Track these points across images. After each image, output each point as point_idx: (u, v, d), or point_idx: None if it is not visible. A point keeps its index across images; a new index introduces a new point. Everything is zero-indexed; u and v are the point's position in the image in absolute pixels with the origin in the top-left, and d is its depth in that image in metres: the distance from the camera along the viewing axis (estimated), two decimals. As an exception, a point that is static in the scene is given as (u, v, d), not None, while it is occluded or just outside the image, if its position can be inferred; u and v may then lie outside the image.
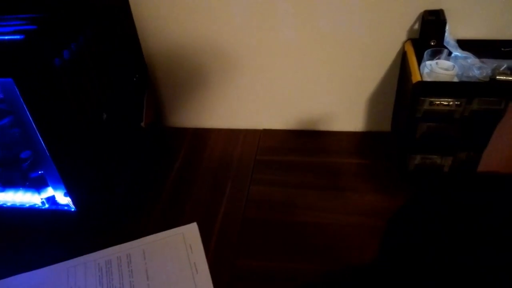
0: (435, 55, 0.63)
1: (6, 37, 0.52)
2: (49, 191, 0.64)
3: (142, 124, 0.77)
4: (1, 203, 0.66)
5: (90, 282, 0.59)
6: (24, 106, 0.53)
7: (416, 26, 0.69)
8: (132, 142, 0.75)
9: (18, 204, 0.66)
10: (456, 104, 0.59)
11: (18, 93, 0.52)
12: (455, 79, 0.60)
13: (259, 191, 0.71)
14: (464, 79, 0.60)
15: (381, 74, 0.76)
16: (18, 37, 0.52)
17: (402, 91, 0.70)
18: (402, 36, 0.71)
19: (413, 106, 0.61)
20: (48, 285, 0.60)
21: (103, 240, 0.64)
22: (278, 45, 0.75)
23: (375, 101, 0.79)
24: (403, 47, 0.71)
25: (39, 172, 0.63)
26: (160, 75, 0.83)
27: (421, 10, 0.67)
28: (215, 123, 0.88)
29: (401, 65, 0.72)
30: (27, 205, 0.66)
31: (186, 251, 0.62)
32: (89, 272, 0.60)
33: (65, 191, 0.62)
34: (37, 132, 0.55)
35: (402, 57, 0.71)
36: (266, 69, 0.78)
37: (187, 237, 0.64)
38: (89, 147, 0.60)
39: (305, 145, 0.81)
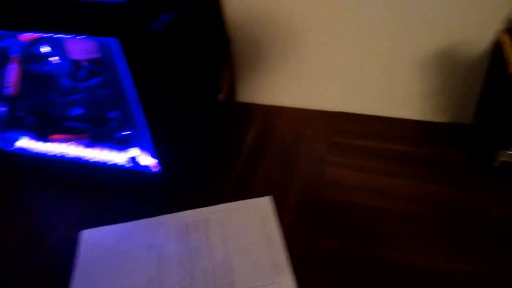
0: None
1: (112, -1, 0.53)
2: (133, 152, 0.67)
3: (220, 96, 0.78)
4: (89, 158, 0.70)
5: (168, 241, 0.62)
6: (120, 67, 0.55)
7: (514, 16, 0.65)
8: (209, 113, 0.77)
9: (103, 161, 0.70)
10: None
11: (117, 53, 0.54)
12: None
13: (332, 173, 0.71)
14: None
15: (467, 63, 0.73)
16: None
17: (494, 84, 0.67)
18: (496, 24, 0.67)
19: (509, 100, 0.58)
20: (129, 240, 0.63)
21: (182, 203, 0.67)
22: (361, 25, 0.74)
23: (457, 91, 0.77)
24: (497, 37, 0.67)
25: (126, 132, 0.66)
26: (237, 49, 0.84)
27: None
28: (288, 101, 0.88)
29: (493, 55, 0.69)
30: (111, 163, 0.69)
31: (260, 222, 0.63)
32: (168, 232, 0.63)
33: (150, 152, 0.65)
34: (129, 93, 0.58)
35: (495, 47, 0.68)
36: (345, 49, 0.77)
37: (261, 209, 0.65)
38: (176, 112, 0.62)
39: (378, 130, 0.80)
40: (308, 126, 0.82)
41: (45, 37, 0.64)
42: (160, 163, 0.65)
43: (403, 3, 0.69)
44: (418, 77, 0.77)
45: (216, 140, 0.80)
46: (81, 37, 0.55)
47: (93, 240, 0.63)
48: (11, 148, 0.75)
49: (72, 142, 0.71)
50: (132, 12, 0.51)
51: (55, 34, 0.56)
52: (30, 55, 0.67)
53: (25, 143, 0.75)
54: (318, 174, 0.71)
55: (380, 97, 0.82)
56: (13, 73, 0.68)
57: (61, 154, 0.72)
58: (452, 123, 0.80)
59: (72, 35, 0.56)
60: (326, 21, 0.75)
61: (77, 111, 0.69)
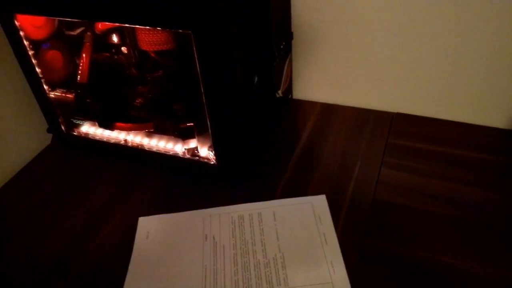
0: None
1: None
2: (193, 143, 0.69)
3: (279, 92, 0.79)
4: (151, 146, 0.72)
5: (223, 232, 0.63)
6: (191, 59, 0.56)
7: None
8: (268, 108, 0.77)
9: (165, 151, 0.72)
10: None
11: (189, 46, 0.56)
12: None
13: (390, 175, 0.70)
14: None
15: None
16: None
17: None
18: None
19: None
20: (185, 229, 0.64)
21: (237, 196, 0.68)
22: (428, 23, 0.72)
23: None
24: None
25: (189, 124, 0.68)
26: (297, 46, 0.84)
27: None
28: (345, 100, 0.87)
29: None
30: (172, 153, 0.71)
31: (315, 220, 0.63)
32: (223, 223, 0.64)
33: (210, 144, 0.66)
34: (197, 85, 0.59)
35: None
36: (406, 49, 0.76)
37: (316, 207, 0.65)
38: (239, 107, 0.63)
39: (439, 134, 0.78)
40: (366, 126, 0.81)
41: (118, 27, 0.66)
42: (219, 155, 0.67)
43: (478, 2, 0.67)
44: (488, 80, 0.74)
45: (273, 136, 0.80)
46: (156, 28, 0.57)
47: (151, 226, 0.65)
48: (76, 133, 0.79)
49: (135, 131, 0.73)
50: (208, 7, 0.52)
51: (131, 24, 0.58)
52: (102, 43, 0.70)
53: (90, 129, 0.79)
54: (374, 175, 0.70)
55: (443, 100, 0.80)
56: (84, 60, 0.72)
57: (124, 142, 0.75)
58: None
59: (148, 26, 0.57)
60: (390, 21, 0.74)
61: (143, 101, 0.71)
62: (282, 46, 0.74)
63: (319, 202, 0.66)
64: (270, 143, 0.79)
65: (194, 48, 0.55)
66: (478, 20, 0.69)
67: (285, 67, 0.79)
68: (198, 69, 0.57)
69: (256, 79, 0.66)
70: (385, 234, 0.61)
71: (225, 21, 0.53)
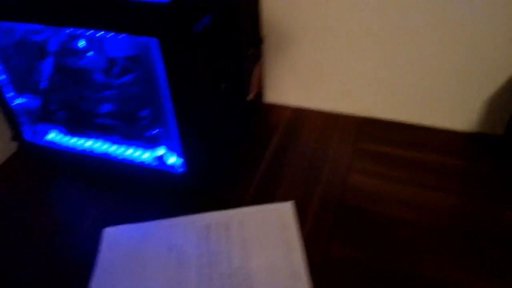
0: None
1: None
2: (160, 151, 0.68)
3: (250, 96, 0.78)
4: (116, 155, 0.71)
5: (188, 243, 0.62)
6: (156, 65, 0.56)
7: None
8: (238, 114, 0.77)
9: (130, 159, 0.71)
10: None
11: (154, 53, 0.55)
12: None
13: (357, 180, 0.70)
14: None
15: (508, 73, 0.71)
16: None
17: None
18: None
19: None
20: (150, 239, 0.63)
21: (205, 204, 0.67)
22: (396, 29, 0.72)
23: (492, 101, 0.74)
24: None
25: (155, 131, 0.67)
26: (267, 50, 0.83)
27: None
28: (316, 104, 0.87)
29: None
30: (138, 161, 0.70)
31: (280, 228, 0.63)
32: (189, 233, 0.63)
33: (177, 152, 0.65)
34: (163, 91, 0.58)
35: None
36: (377, 54, 0.76)
37: (283, 215, 0.65)
38: (206, 113, 0.62)
39: (405, 138, 0.79)
40: (335, 130, 0.82)
41: (84, 32, 0.65)
42: (187, 163, 0.66)
43: (448, 10, 0.68)
44: (452, 84, 0.75)
45: (243, 142, 0.80)
46: (121, 35, 0.56)
47: (116, 237, 0.64)
48: (41, 141, 0.77)
49: (101, 139, 0.72)
50: (173, 13, 0.52)
51: (96, 31, 0.57)
52: (66, 49, 0.69)
53: (55, 137, 0.77)
54: (342, 181, 0.70)
55: (412, 104, 0.80)
56: (48, 66, 0.70)
57: (89, 150, 0.73)
58: (487, 134, 0.78)
59: (112, 33, 0.56)
60: (360, 23, 0.74)
61: (109, 107, 0.70)
62: (250, 53, 0.74)
63: (286, 209, 0.65)
64: (241, 149, 0.78)
65: (160, 55, 0.54)
66: (441, 27, 0.70)
67: (255, 72, 0.79)
68: (165, 75, 0.56)
69: (223, 85, 0.65)
70: (351, 241, 0.61)
71: (190, 28, 0.53)
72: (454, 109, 0.78)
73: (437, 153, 0.75)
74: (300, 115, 0.86)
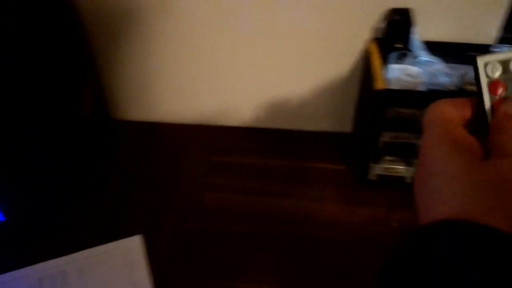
0: (400, 58, 0.59)
1: None
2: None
3: (82, 116, 0.69)
4: None
5: (16, 305, 0.53)
6: None
7: (382, 25, 0.64)
8: (66, 137, 0.67)
9: None
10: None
11: None
12: (421, 87, 0.57)
13: (214, 198, 0.66)
14: (431, 87, 0.56)
15: (342, 72, 0.71)
16: None
17: (365, 95, 0.66)
18: (365, 34, 0.66)
19: (375, 114, 0.57)
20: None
21: (33, 254, 0.58)
22: (236, 34, 0.69)
23: (336, 100, 0.75)
24: (366, 46, 0.66)
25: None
26: (102, 62, 0.75)
27: (387, 7, 0.63)
28: (165, 116, 0.80)
29: (364, 65, 0.67)
30: None
31: (127, 269, 0.56)
32: (17, 293, 0.54)
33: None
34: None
35: (365, 56, 0.66)
36: (223, 63, 0.72)
37: (129, 252, 0.58)
38: (15, 143, 0.53)
39: (262, 144, 0.76)
40: (186, 144, 0.76)
41: None
42: (4, 211, 0.55)
43: (273, 19, 0.66)
44: (297, 86, 0.74)
45: (81, 167, 0.70)
46: None
47: None
48: None
49: None
50: None
51: None
52: None
53: None
54: (197, 201, 0.66)
55: (262, 109, 0.78)
56: None
57: None
58: (339, 132, 0.78)
59: None
60: (201, 34, 0.69)
61: None
62: (73, 67, 0.65)
63: (133, 245, 0.59)
64: (80, 177, 0.69)
65: None
66: (283, 40, 0.68)
67: (85, 87, 0.69)
68: None
69: (35, 121, 0.56)
70: (212, 271, 0.56)
71: None
72: (304, 110, 0.77)
73: (296, 156, 0.73)
74: (149, 130, 0.79)
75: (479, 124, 0.28)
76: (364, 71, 0.67)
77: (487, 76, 0.28)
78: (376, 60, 0.61)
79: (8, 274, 0.56)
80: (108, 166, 0.71)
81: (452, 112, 0.28)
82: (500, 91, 0.28)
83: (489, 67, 0.28)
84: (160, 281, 0.55)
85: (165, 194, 0.67)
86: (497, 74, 0.28)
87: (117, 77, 0.77)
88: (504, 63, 0.28)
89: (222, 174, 0.70)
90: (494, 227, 0.22)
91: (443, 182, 0.25)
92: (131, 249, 0.58)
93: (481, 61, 0.28)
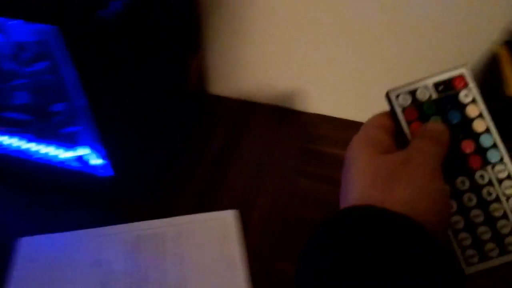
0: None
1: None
2: (82, 151, 0.59)
3: (188, 88, 0.70)
4: (31, 154, 0.62)
5: (116, 257, 0.55)
6: (63, 56, 0.47)
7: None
8: (172, 109, 0.69)
9: (48, 159, 0.61)
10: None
11: (58, 42, 0.46)
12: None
13: (306, 186, 0.65)
14: None
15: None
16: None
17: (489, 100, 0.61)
18: (494, 35, 0.61)
19: (506, 121, 0.53)
20: (71, 252, 0.55)
21: (134, 212, 0.59)
22: (347, 26, 0.66)
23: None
24: (493, 48, 0.62)
25: (74, 128, 0.58)
26: (211, 37, 0.75)
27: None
28: (263, 97, 0.80)
29: (487, 68, 0.63)
30: (57, 162, 0.61)
31: (221, 241, 0.56)
32: (116, 246, 0.56)
33: (100, 152, 0.57)
34: (74, 84, 0.50)
35: (491, 59, 0.62)
36: (328, 48, 0.70)
37: (224, 224, 0.58)
38: (130, 108, 0.54)
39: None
40: (283, 128, 0.75)
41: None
42: (112, 165, 0.57)
43: (397, 8, 0.63)
44: (401, 80, 0.71)
45: (181, 140, 0.71)
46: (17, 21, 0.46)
47: (31, 250, 0.56)
48: None
49: (13, 136, 0.62)
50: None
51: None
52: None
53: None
54: (290, 187, 0.65)
55: (359, 101, 0.76)
56: None
57: (1, 148, 0.63)
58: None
59: (6, 19, 0.47)
60: (313, 16, 0.67)
61: (19, 100, 0.60)
62: (185, 38, 0.65)
63: (228, 219, 0.59)
64: (180, 148, 0.70)
65: (64, 45, 0.45)
66: (389, 31, 0.65)
67: (193, 61, 0.70)
68: (71, 66, 0.47)
69: (148, 77, 0.57)
70: (290, 254, 0.56)
71: (96, 15, 0.44)
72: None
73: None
74: (247, 110, 0.78)
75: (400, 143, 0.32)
76: (488, 74, 0.62)
77: (400, 105, 0.33)
78: (507, 63, 0.57)
79: (108, 227, 0.58)
80: (205, 142, 0.72)
81: (382, 121, 0.33)
82: (413, 116, 0.33)
83: (400, 97, 0.33)
84: (252, 257, 0.55)
85: (259, 175, 0.66)
86: (408, 102, 0.33)
87: (217, 54, 0.77)
88: (412, 93, 0.33)
89: (314, 162, 0.69)
90: (387, 208, 0.27)
91: (352, 175, 0.30)
92: (226, 222, 0.59)
93: (393, 94, 0.33)
